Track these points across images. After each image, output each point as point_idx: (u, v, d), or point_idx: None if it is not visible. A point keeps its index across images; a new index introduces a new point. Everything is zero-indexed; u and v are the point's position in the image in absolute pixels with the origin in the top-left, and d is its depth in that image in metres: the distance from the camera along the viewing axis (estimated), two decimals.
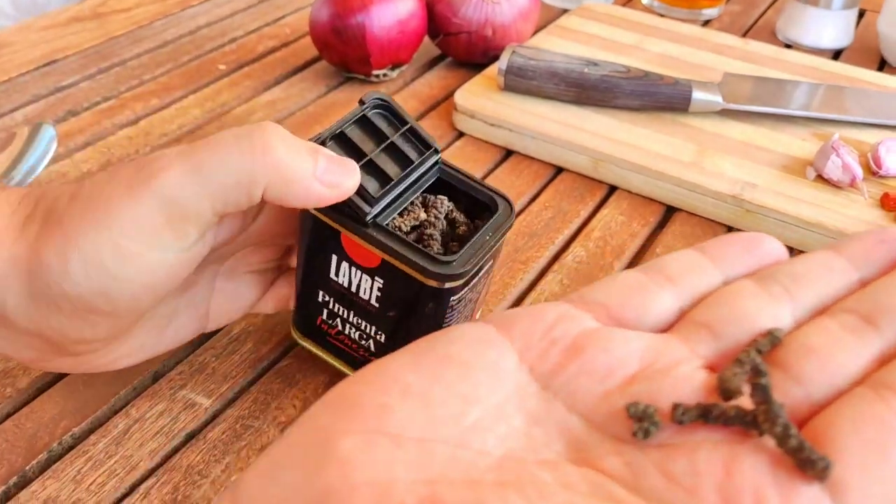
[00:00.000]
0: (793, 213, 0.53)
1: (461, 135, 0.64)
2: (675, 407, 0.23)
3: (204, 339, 0.45)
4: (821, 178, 0.56)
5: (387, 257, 0.35)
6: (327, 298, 0.39)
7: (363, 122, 0.37)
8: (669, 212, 0.57)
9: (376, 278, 0.36)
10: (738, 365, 0.23)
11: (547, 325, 0.25)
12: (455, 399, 0.23)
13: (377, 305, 0.37)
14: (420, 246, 0.35)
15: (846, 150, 0.55)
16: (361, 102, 0.38)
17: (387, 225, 0.36)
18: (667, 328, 0.27)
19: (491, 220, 0.37)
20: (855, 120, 0.62)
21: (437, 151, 0.39)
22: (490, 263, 0.38)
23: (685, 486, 0.21)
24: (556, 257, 0.52)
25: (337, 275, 0.38)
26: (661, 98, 0.61)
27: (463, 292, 0.36)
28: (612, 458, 0.22)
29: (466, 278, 0.35)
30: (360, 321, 0.39)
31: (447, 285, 0.35)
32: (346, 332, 0.40)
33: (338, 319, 0.40)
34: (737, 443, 0.22)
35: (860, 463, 0.21)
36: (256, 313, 0.47)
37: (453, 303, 0.36)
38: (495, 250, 0.37)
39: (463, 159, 0.61)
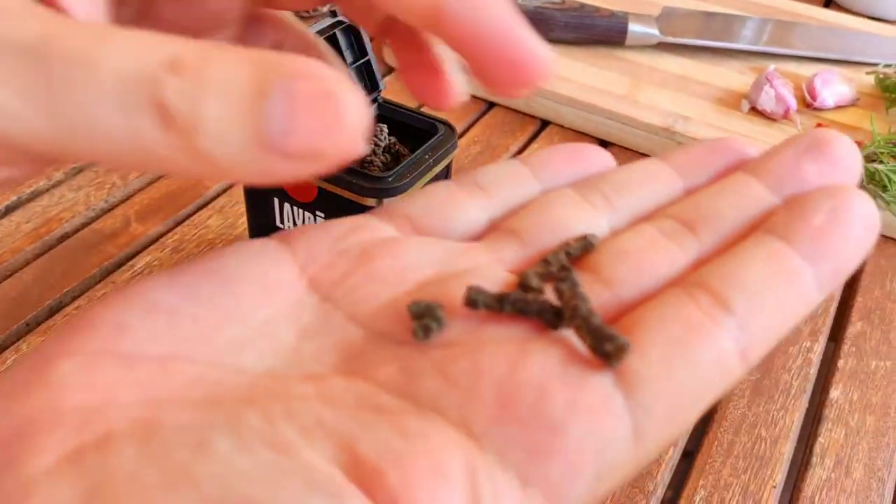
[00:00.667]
0: None
1: (390, 70, 0.62)
2: (470, 289, 0.21)
3: (104, 274, 0.43)
4: (755, 110, 0.55)
5: (322, 184, 0.34)
6: None
7: (331, 39, 0.35)
8: (602, 146, 0.55)
9: (317, 212, 0.35)
10: (543, 265, 0.22)
11: (336, 236, 0.23)
12: (211, 315, 0.20)
13: None
14: (357, 168, 0.34)
15: (781, 82, 0.54)
16: (333, 14, 0.36)
17: None
18: (475, 240, 0.25)
19: (430, 141, 0.35)
20: (796, 54, 0.61)
21: (379, 90, 0.37)
22: None
23: (463, 387, 0.19)
24: None
25: (282, 220, 0.36)
26: (596, 31, 0.59)
27: None
28: (388, 365, 0.20)
29: (407, 196, 0.34)
30: None
31: (387, 203, 0.33)
32: None
33: None
34: (529, 340, 0.20)
35: (659, 359, 0.19)
36: (163, 247, 0.45)
37: None
38: (441, 174, 0.36)
39: (392, 93, 0.59)
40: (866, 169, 0.49)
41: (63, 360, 0.18)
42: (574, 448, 0.18)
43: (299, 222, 0.36)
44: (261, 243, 0.23)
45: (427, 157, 0.35)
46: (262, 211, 0.37)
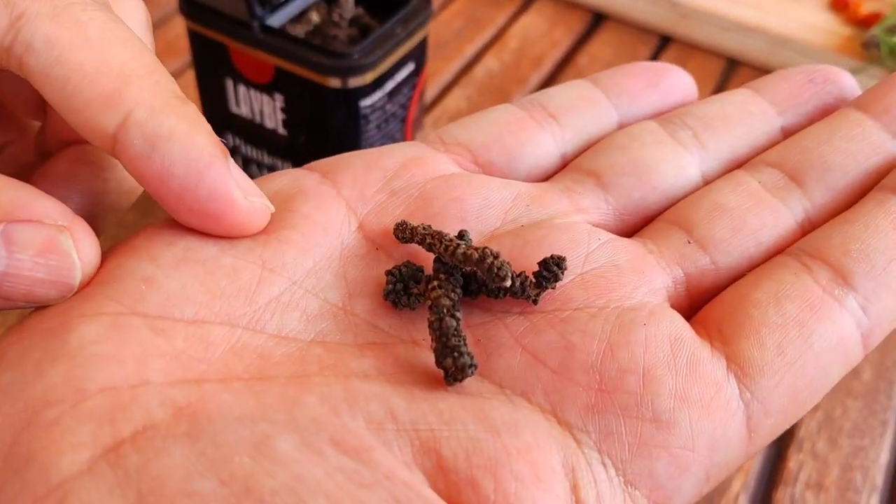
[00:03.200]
0: (733, 17, 0.47)
1: None
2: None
3: None
4: None
5: (280, 62, 0.30)
6: (236, 141, 0.34)
7: None
8: (597, 19, 0.51)
9: (276, 95, 0.31)
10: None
11: (387, 173, 0.20)
12: (250, 266, 0.17)
13: (285, 133, 0.32)
14: (317, 44, 0.30)
15: None
16: None
17: (280, 29, 0.30)
18: (546, 178, 0.21)
19: (401, 12, 0.31)
20: None
21: None
22: (411, 69, 0.32)
23: (552, 367, 0.16)
24: (464, 70, 0.46)
25: (238, 104, 0.32)
26: None
27: (377, 98, 0.30)
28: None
29: (376, 74, 0.30)
30: (274, 160, 0.34)
31: (352, 83, 0.29)
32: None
33: (253, 166, 0.35)
34: (629, 312, 0.17)
35: (777, 344, 0.17)
36: None
37: (366, 111, 0.30)
38: (414, 51, 0.31)
39: None
40: (885, 43, 0.45)
41: (84, 323, 0.15)
42: (683, 445, 0.16)
43: (255, 106, 0.32)
44: (300, 178, 0.19)
45: (398, 30, 0.30)
46: (215, 94, 0.33)
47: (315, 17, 0.32)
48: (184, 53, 0.46)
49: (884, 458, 0.31)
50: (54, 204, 0.16)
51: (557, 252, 0.18)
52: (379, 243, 0.18)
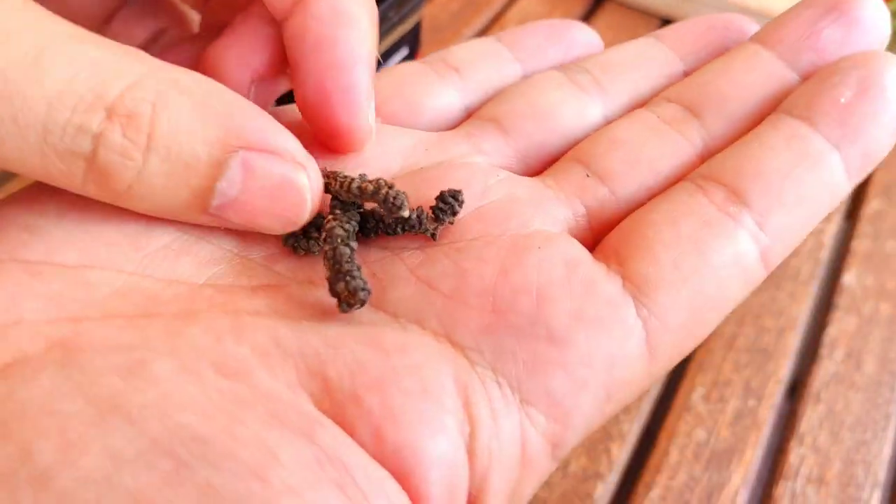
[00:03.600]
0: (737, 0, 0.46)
1: None
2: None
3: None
4: None
5: None
6: None
7: None
8: (597, 1, 0.50)
9: None
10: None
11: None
12: (138, 215, 0.16)
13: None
14: None
15: None
16: None
17: None
18: (449, 129, 0.21)
19: None
20: None
21: None
22: (405, 54, 0.32)
23: (446, 293, 0.16)
24: None
25: None
26: None
27: None
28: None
29: None
30: None
31: None
32: None
33: None
34: (524, 238, 0.17)
35: (672, 262, 0.17)
36: None
37: None
38: (408, 35, 0.31)
39: None
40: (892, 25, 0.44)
41: None
42: (579, 361, 0.16)
43: None
44: None
45: (390, 14, 0.29)
46: None
47: None
48: None
49: (886, 452, 0.30)
50: (294, 141, 0.16)
51: (454, 186, 0.18)
52: None
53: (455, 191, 0.17)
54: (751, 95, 0.20)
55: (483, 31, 0.47)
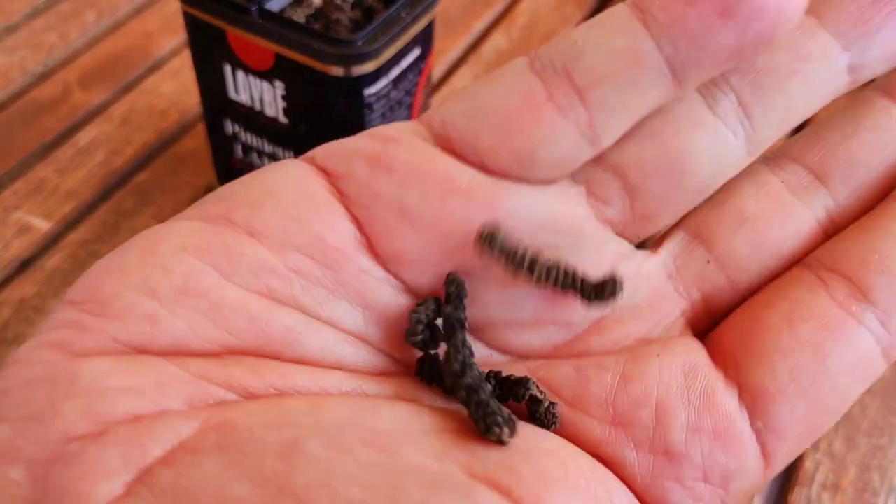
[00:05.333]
0: None
1: None
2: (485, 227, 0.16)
3: (44, 151, 0.38)
4: None
5: (280, 49, 0.28)
6: (236, 128, 0.33)
7: None
8: None
9: (276, 83, 0.30)
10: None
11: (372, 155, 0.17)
12: (258, 299, 0.16)
13: (286, 121, 0.31)
14: (319, 30, 0.29)
15: None
16: None
17: (280, 13, 0.29)
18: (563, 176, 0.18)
19: None
20: None
21: None
22: (417, 55, 0.31)
23: (567, 399, 0.16)
24: (472, 48, 0.45)
25: (237, 91, 0.31)
26: None
27: (381, 85, 0.29)
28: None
29: (380, 63, 0.28)
30: (275, 149, 0.32)
31: (355, 72, 0.28)
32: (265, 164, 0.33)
33: (254, 154, 0.33)
34: (642, 343, 0.17)
35: (790, 372, 0.16)
36: (110, 119, 0.40)
37: (370, 100, 0.29)
38: (420, 35, 0.30)
39: None
40: None
41: (92, 359, 0.14)
42: (696, 476, 0.15)
43: (255, 93, 0.30)
44: (304, 179, 0.17)
45: (403, 14, 0.29)
46: (212, 79, 0.31)
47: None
48: (182, 30, 0.44)
49: None
50: None
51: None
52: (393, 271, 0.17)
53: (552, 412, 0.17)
54: (881, 160, 0.18)
55: (494, 24, 0.46)
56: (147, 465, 0.13)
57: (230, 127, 0.33)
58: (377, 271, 0.17)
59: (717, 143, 0.18)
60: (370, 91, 0.29)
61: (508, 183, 0.17)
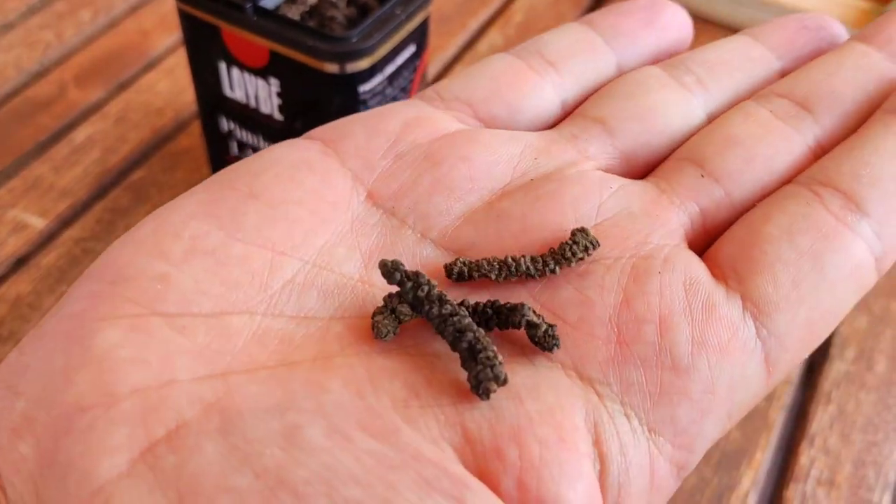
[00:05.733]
0: None
1: None
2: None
3: (39, 149, 0.38)
4: None
5: (274, 46, 0.28)
6: (231, 126, 0.33)
7: None
8: None
9: (271, 80, 0.30)
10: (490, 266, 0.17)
11: (390, 136, 0.19)
12: (260, 251, 0.17)
13: (281, 118, 0.31)
14: (313, 27, 0.29)
15: None
16: None
17: (274, 10, 0.29)
18: (551, 127, 0.21)
19: None
20: None
21: None
22: (412, 52, 0.31)
23: (571, 323, 0.16)
24: (467, 46, 0.45)
25: (232, 88, 0.31)
26: None
27: (376, 82, 0.29)
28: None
29: (375, 59, 0.28)
30: (270, 145, 0.32)
31: (350, 68, 0.28)
32: None
33: (249, 151, 0.33)
34: (643, 261, 0.17)
35: (791, 279, 0.17)
36: (106, 117, 0.40)
37: (365, 96, 0.29)
38: (415, 32, 0.30)
39: None
40: None
41: (104, 327, 0.15)
42: (703, 389, 0.16)
43: (250, 90, 0.30)
44: (299, 149, 0.19)
45: (398, 11, 0.29)
46: (207, 77, 0.31)
47: None
48: (177, 28, 0.44)
49: None
50: None
51: (570, 203, 0.18)
52: (390, 211, 0.18)
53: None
54: (862, 93, 0.20)
55: (489, 23, 0.46)
56: (150, 444, 0.13)
57: (225, 124, 0.33)
58: (374, 216, 0.18)
59: (681, 101, 0.21)
60: (365, 88, 0.29)
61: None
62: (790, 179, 0.19)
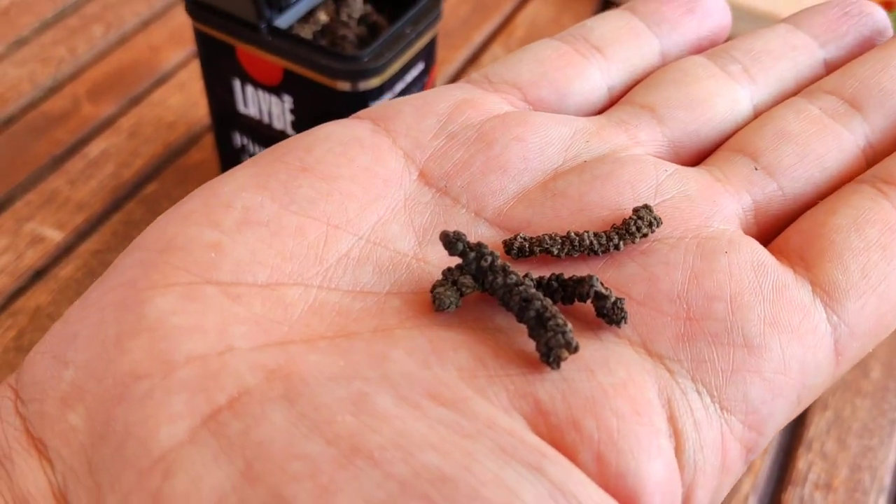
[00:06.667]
0: (744, 4, 0.46)
1: None
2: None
3: (55, 163, 0.39)
4: None
5: (288, 64, 0.29)
6: (244, 141, 0.34)
7: None
8: (605, 5, 0.50)
9: (284, 97, 0.31)
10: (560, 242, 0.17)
11: (441, 117, 0.19)
12: (315, 224, 0.17)
13: (294, 134, 0.31)
14: (326, 46, 0.30)
15: None
16: None
17: (288, 30, 0.30)
18: (597, 112, 0.21)
19: (411, 12, 0.30)
20: None
21: None
22: (421, 69, 0.32)
23: (638, 300, 0.16)
24: (471, 60, 0.46)
25: (245, 104, 0.32)
26: None
27: (386, 99, 0.30)
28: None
29: (385, 78, 0.29)
30: None
31: (362, 87, 0.29)
32: None
33: None
34: (710, 240, 0.17)
35: (861, 268, 0.17)
36: (119, 131, 0.41)
37: None
38: (423, 50, 0.31)
39: None
40: None
41: (157, 295, 0.15)
42: (776, 369, 0.16)
43: (264, 107, 0.31)
44: (350, 127, 0.19)
45: (408, 30, 0.30)
46: (222, 93, 0.32)
47: (323, 16, 0.32)
48: (188, 43, 0.45)
49: (892, 458, 0.31)
50: None
51: (628, 183, 0.18)
52: (443, 190, 0.18)
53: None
54: None
55: (493, 36, 0.47)
56: (213, 411, 0.13)
57: (238, 139, 0.34)
58: (426, 195, 0.18)
59: (729, 91, 0.21)
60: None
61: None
62: (841, 177, 0.19)
